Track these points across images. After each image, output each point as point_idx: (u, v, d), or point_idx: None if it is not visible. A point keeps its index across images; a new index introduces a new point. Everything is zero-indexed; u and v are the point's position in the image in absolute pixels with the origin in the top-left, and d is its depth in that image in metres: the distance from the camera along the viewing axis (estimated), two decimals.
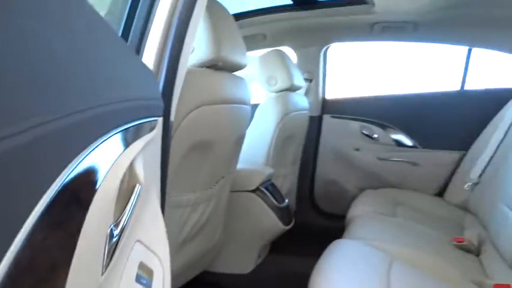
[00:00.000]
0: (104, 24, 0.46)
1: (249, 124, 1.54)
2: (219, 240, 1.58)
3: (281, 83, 1.95)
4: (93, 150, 0.34)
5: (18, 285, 0.25)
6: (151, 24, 0.79)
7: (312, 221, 2.49)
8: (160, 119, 0.72)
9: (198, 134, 1.14)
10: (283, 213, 1.70)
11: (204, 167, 1.26)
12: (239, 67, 1.35)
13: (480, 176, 2.01)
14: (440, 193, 2.24)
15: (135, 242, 0.51)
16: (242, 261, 1.73)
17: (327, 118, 2.46)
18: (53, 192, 0.28)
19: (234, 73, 1.38)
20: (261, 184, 1.67)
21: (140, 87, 0.61)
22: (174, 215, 1.22)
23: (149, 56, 0.79)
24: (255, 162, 1.87)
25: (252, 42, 2.38)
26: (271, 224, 1.66)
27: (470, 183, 2.03)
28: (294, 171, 2.25)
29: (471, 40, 2.13)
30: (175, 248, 1.26)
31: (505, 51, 2.10)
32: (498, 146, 1.98)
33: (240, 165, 1.78)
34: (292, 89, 2.01)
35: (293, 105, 1.97)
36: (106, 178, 0.37)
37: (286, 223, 1.69)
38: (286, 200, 1.79)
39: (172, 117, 0.87)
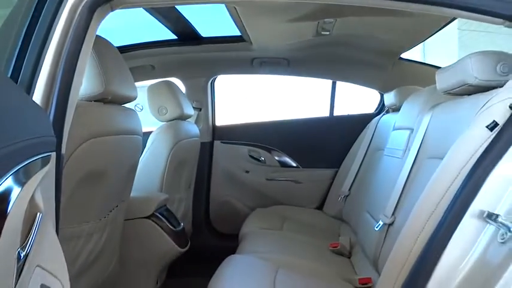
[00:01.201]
0: None
1: (141, 153, 1.60)
2: (114, 270, 1.58)
3: (171, 113, 2.05)
4: None
5: None
6: (43, 62, 0.84)
7: (209, 242, 2.58)
8: (53, 154, 0.77)
9: (89, 165, 1.18)
10: (179, 237, 1.77)
11: (97, 197, 1.28)
12: (128, 99, 1.41)
13: (350, 188, 2.34)
14: (321, 206, 2.54)
15: (36, 266, 0.56)
16: None
17: (217, 144, 2.61)
18: None
19: (124, 105, 1.44)
20: (156, 210, 1.73)
21: (33, 125, 0.66)
22: (67, 247, 1.21)
23: (39, 94, 0.83)
24: (149, 189, 1.91)
25: (142, 73, 2.44)
26: (168, 248, 1.71)
27: (342, 196, 2.35)
28: (188, 195, 2.33)
29: (334, 74, 2.51)
30: (71, 281, 1.24)
31: (361, 85, 2.52)
32: (361, 162, 2.34)
33: (134, 193, 1.81)
34: (183, 117, 2.12)
35: (184, 133, 2.07)
36: (13, 208, 0.44)
37: (182, 246, 1.76)
38: (182, 224, 1.86)
39: (63, 150, 0.92)
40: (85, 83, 1.22)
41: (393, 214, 1.42)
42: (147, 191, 1.89)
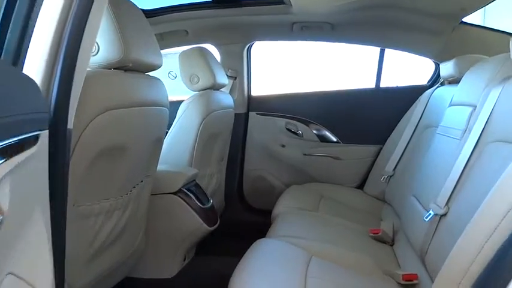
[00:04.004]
0: None
1: (169, 125, 1.49)
2: (140, 246, 1.52)
3: (203, 81, 1.92)
4: None
5: None
6: (33, 30, 0.72)
7: (241, 217, 2.50)
8: (45, 132, 0.66)
9: (106, 140, 1.07)
10: (208, 214, 1.68)
11: (117, 173, 1.19)
12: (152, 67, 1.29)
13: (394, 168, 2.14)
14: (361, 185, 2.36)
15: (7, 274, 0.46)
16: (166, 265, 1.68)
17: (252, 115, 2.47)
18: None
19: (149, 73, 1.33)
20: (184, 185, 1.63)
21: (16, 102, 0.55)
22: (84, 225, 1.14)
23: (34, 63, 0.72)
24: (178, 163, 1.82)
25: (175, 38, 2.32)
26: (195, 226, 1.63)
27: (385, 176, 2.16)
28: (220, 169, 2.23)
29: (383, 41, 2.25)
30: (88, 258, 1.19)
31: (413, 53, 2.25)
32: (409, 141, 2.12)
33: (162, 167, 1.73)
34: (216, 87, 1.98)
35: (216, 104, 1.94)
36: None
37: (211, 224, 1.67)
38: (211, 200, 1.77)
39: (70, 125, 0.81)
40: (102, 48, 1.11)
41: (447, 204, 1.24)
42: (176, 165, 1.80)
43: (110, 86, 1.08)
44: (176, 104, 1.90)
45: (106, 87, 1.06)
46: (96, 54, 1.11)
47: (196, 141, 1.82)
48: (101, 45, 1.10)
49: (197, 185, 1.75)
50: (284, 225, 1.63)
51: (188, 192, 1.63)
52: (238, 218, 2.48)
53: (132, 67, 1.17)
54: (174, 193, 1.60)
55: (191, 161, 1.82)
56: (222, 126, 2.08)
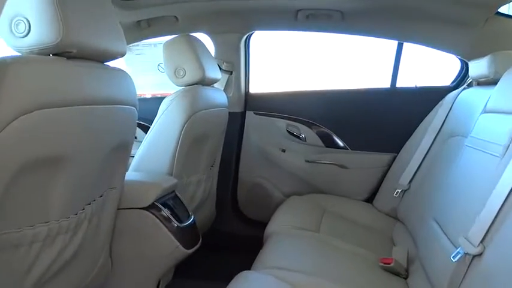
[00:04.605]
0: None
1: (134, 125, 1.22)
2: (102, 271, 1.26)
3: (190, 75, 1.64)
4: None
5: None
6: None
7: (234, 229, 2.24)
8: None
9: (33, 148, 0.81)
10: (186, 234, 1.40)
11: (56, 190, 0.92)
12: (110, 55, 1.02)
13: (410, 182, 1.85)
14: (370, 199, 2.08)
15: None
16: None
17: (250, 115, 2.20)
18: None
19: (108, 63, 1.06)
20: (158, 199, 1.37)
21: None
22: (12, 257, 0.88)
23: None
24: (157, 170, 1.55)
25: (162, 25, 2.05)
26: (170, 248, 1.36)
27: (399, 190, 1.87)
28: (211, 175, 1.96)
29: (401, 34, 1.95)
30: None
31: (436, 48, 1.94)
32: (428, 150, 1.83)
33: (135, 176, 1.47)
34: (205, 82, 1.71)
35: (204, 101, 1.67)
36: None
37: (189, 246, 1.40)
38: (192, 217, 1.50)
39: None
40: (34, 28, 0.84)
41: (482, 242, 0.95)
42: (154, 172, 1.54)
43: (40, 76, 0.81)
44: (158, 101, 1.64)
45: (34, 78, 0.79)
46: (26, 36, 0.84)
47: (178, 145, 1.55)
48: (33, 23, 0.83)
49: (176, 198, 1.48)
50: (276, 251, 1.36)
51: (162, 207, 1.35)
52: (231, 230, 2.22)
53: (77, 54, 0.91)
54: (145, 208, 1.33)
55: (172, 167, 1.55)
56: (212, 127, 1.80)
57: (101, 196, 1.15)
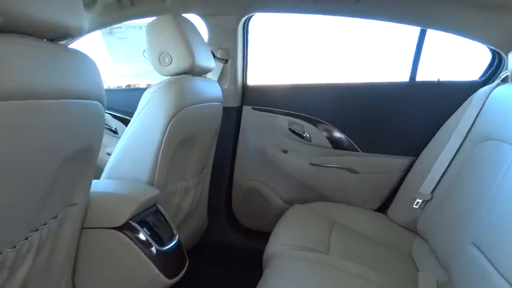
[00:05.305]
0: None
1: (101, 126, 0.95)
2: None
3: (178, 63, 1.36)
4: None
5: None
6: None
7: (228, 240, 1.98)
8: None
9: None
10: (168, 260, 1.14)
11: None
12: (60, 30, 0.74)
13: (433, 191, 1.59)
14: (383, 208, 1.82)
15: None
16: None
17: (247, 110, 1.93)
18: None
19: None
20: (134, 216, 1.10)
21: None
22: None
23: None
24: (135, 178, 1.28)
25: (148, 4, 1.77)
26: (148, 277, 1.09)
27: (420, 200, 1.61)
28: (202, 179, 1.70)
29: (425, 19, 1.68)
30: None
31: (465, 36, 1.68)
32: (454, 155, 1.57)
33: (106, 187, 1.20)
34: (196, 71, 1.43)
35: (194, 94, 1.39)
36: None
37: (171, 274, 1.13)
38: (177, 236, 1.23)
39: None
40: None
41: None
42: (133, 180, 1.27)
43: None
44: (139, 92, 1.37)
45: None
46: None
47: (161, 147, 1.27)
48: None
49: (157, 213, 1.21)
50: (278, 281, 1.10)
51: (139, 227, 1.08)
52: (225, 241, 1.96)
53: (8, 25, 0.63)
54: (118, 228, 1.06)
55: (153, 174, 1.28)
56: (203, 124, 1.53)
57: (55, 217, 0.89)
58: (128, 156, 1.28)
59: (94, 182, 1.04)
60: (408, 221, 1.65)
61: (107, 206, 1.07)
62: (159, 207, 1.24)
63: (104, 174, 1.29)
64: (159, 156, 1.27)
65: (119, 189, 1.16)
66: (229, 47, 1.82)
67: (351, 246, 1.45)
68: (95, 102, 0.86)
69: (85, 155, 0.90)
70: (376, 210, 1.84)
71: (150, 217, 1.16)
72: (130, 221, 1.08)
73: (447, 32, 1.69)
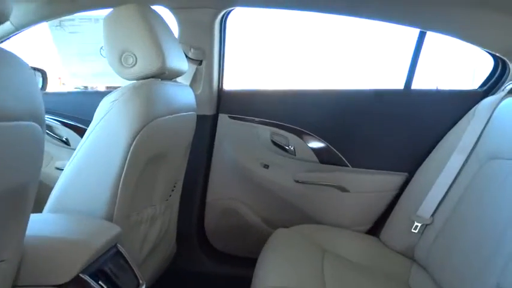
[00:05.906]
0: None
1: (39, 154, 0.68)
2: None
3: (144, 64, 1.10)
4: None
5: None
6: None
7: (202, 267, 1.74)
8: None
9: None
10: None
11: None
12: None
13: (433, 214, 1.43)
14: (374, 229, 1.65)
15: None
16: None
17: (223, 118, 1.69)
18: None
19: None
20: (86, 267, 0.83)
21: None
22: None
23: None
24: (88, 211, 1.01)
25: None
26: None
27: (419, 224, 1.44)
28: (171, 203, 1.44)
29: (424, 21, 1.51)
30: None
31: (467, 40, 1.52)
32: (458, 173, 1.41)
33: (51, 227, 0.93)
34: (166, 74, 1.17)
35: (165, 104, 1.14)
36: None
37: None
38: (144, 285, 0.97)
39: None
40: None
41: None
42: (85, 214, 1.00)
43: None
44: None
45: None
46: None
47: (123, 171, 1.01)
48: None
49: (117, 256, 0.95)
50: None
51: (92, 282, 0.82)
52: (196, 268, 1.72)
53: None
54: (63, 286, 0.79)
55: (113, 204, 1.02)
56: (175, 139, 1.28)
57: None
58: (80, 183, 1.01)
59: (32, 217, 0.77)
60: (405, 247, 1.48)
61: (48, 258, 0.80)
62: (120, 248, 0.98)
63: (47, 206, 1.01)
64: (120, 182, 1.01)
65: (65, 231, 0.89)
66: (204, 46, 1.58)
67: (348, 281, 1.26)
68: (31, 123, 0.60)
69: (16, 196, 0.64)
70: (367, 232, 1.66)
71: (108, 264, 0.90)
72: (81, 274, 0.81)
73: (447, 34, 1.52)
